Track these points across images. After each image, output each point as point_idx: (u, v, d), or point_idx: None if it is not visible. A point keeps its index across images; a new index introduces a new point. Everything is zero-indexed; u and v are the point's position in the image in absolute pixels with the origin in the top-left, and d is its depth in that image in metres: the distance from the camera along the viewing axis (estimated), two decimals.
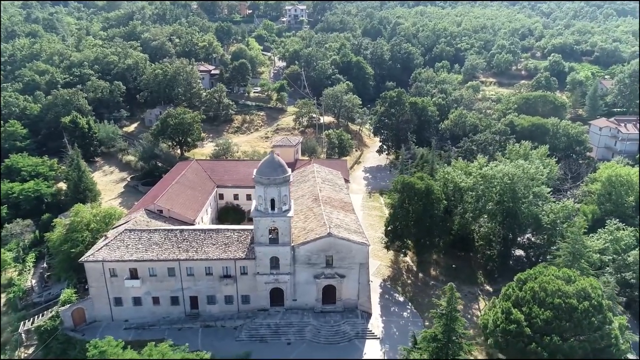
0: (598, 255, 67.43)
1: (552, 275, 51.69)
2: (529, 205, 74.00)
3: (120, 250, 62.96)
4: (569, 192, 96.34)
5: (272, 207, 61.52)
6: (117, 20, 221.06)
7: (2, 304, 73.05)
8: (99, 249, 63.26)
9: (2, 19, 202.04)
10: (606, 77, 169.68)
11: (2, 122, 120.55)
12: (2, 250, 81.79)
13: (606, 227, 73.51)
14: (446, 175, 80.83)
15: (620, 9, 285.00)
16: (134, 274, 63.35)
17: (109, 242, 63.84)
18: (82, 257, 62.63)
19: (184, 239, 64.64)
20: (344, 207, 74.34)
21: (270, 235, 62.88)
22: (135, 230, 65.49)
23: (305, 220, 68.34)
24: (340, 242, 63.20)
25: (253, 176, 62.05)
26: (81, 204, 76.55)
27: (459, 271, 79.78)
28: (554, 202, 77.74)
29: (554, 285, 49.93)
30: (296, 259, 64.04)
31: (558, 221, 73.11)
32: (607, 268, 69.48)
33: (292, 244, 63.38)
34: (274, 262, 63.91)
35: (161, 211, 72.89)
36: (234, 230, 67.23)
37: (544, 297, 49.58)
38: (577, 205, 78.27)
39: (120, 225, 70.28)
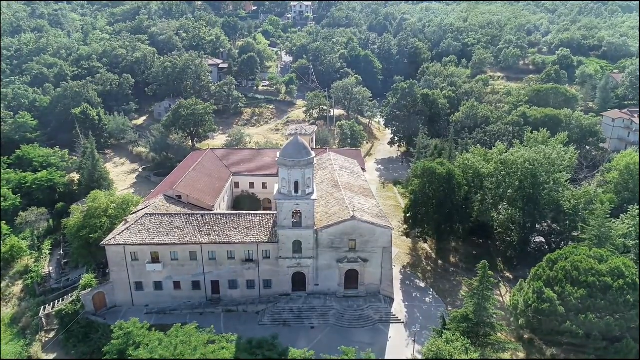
0: (622, 240, 66.69)
1: (584, 254, 51.02)
2: (550, 191, 73.35)
3: (141, 234, 62.23)
4: (584, 182, 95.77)
5: (296, 190, 60.91)
6: (123, 15, 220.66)
7: (19, 291, 72.51)
8: (120, 233, 62.52)
9: (7, 15, 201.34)
10: (615, 71, 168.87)
11: (11, 114, 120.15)
12: (17, 238, 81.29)
13: (629, 213, 72.85)
14: (466, 162, 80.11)
15: (626, 5, 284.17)
16: (155, 258, 62.67)
17: (130, 226, 63.09)
18: (104, 241, 61.91)
19: (206, 223, 63.96)
20: (364, 192, 73.75)
21: (293, 219, 62.24)
22: (157, 215, 64.80)
23: (327, 205, 67.71)
24: (363, 226, 62.57)
25: (276, 159, 61.48)
26: (98, 190, 76.09)
27: (478, 258, 78.69)
28: (572, 189, 77.10)
29: (586, 263, 49.24)
30: (319, 243, 63.38)
31: (580, 207, 72.50)
32: (629, 254, 68.81)
33: (315, 228, 62.74)
34: (297, 246, 63.26)
35: (180, 197, 72.19)
36: (256, 214, 66.66)
37: (577, 276, 48.88)
38: (599, 190, 77.49)
39: (139, 210, 69.58)
